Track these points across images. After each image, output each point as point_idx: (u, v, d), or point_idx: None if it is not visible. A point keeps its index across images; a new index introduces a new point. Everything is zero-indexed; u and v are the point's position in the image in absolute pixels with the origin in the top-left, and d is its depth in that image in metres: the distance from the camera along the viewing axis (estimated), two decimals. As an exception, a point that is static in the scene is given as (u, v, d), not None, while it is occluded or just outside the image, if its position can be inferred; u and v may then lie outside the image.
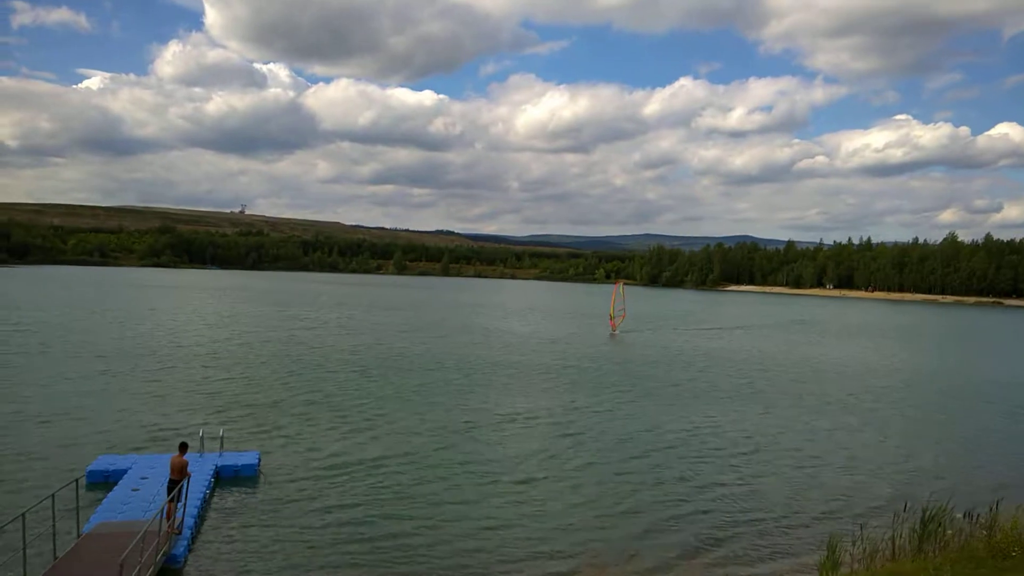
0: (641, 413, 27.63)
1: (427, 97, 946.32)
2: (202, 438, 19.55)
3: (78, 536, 13.21)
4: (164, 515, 13.04)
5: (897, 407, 31.52)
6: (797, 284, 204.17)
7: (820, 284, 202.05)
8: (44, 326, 48.80)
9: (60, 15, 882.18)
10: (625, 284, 73.28)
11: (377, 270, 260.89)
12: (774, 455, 22.39)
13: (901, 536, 14.37)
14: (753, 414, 28.47)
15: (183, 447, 14.56)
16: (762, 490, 18.92)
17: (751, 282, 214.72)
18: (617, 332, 59.21)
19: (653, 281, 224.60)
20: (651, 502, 17.63)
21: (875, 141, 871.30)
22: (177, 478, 13.94)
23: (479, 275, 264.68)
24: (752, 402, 31.12)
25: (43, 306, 65.39)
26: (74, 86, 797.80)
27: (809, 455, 22.60)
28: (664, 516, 16.73)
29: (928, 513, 14.50)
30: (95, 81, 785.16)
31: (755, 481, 19.67)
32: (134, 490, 16.04)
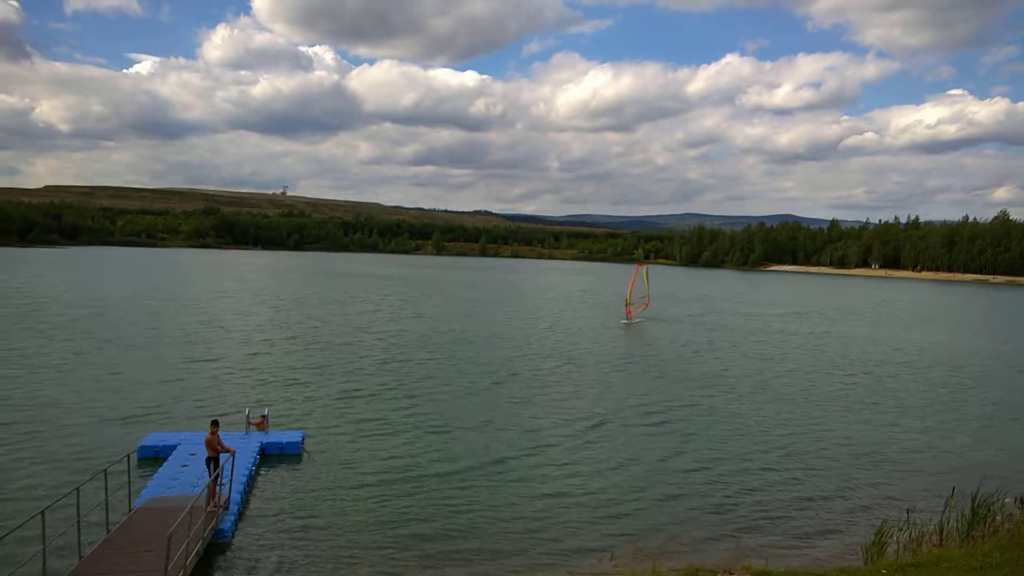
0: (698, 402, 27.09)
1: (469, 78, 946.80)
2: (248, 416, 20.03)
3: (130, 510, 13.67)
4: (209, 492, 13.40)
5: (951, 392, 30.64)
6: (841, 264, 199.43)
7: (865, 264, 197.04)
8: (104, 308, 50.36)
9: (112, 0, 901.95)
10: (650, 266, 64.97)
11: (416, 250, 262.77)
12: (823, 441, 21.93)
13: (949, 522, 14.04)
14: (804, 401, 28.01)
15: (215, 425, 14.60)
16: (810, 475, 18.64)
17: (794, 262, 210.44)
18: (634, 320, 52.92)
19: (693, 261, 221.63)
20: (700, 485, 17.52)
21: (927, 117, 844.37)
22: (213, 455, 14.19)
23: (516, 255, 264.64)
24: (802, 389, 30.59)
25: (103, 288, 67.48)
26: (124, 71, 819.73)
27: (859, 441, 22.12)
28: (712, 499, 16.63)
29: (978, 499, 14.12)
30: (145, 66, 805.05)
31: (803, 466, 19.36)
32: (183, 466, 16.53)
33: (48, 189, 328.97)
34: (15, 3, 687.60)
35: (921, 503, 16.48)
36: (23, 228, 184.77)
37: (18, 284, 66.25)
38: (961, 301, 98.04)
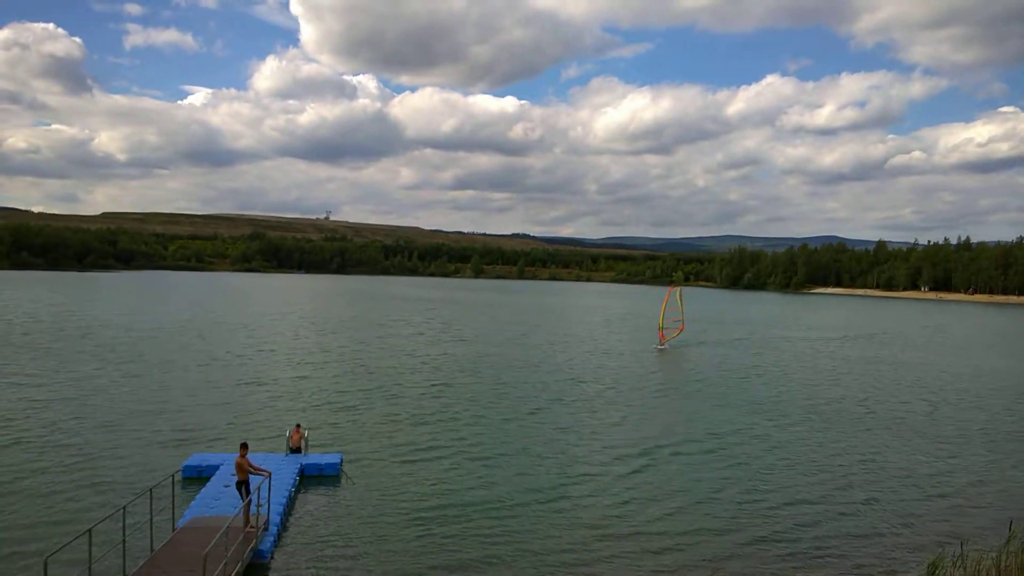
0: (746, 429, 26.46)
1: (509, 103, 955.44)
2: (288, 437, 20.27)
3: (173, 529, 13.92)
4: (244, 514, 13.54)
5: (1011, 421, 29.34)
6: (889, 286, 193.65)
7: (915, 286, 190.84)
8: (155, 331, 51.83)
9: (169, 35, 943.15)
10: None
11: (455, 274, 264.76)
12: (876, 472, 21.17)
13: (1007, 558, 13.39)
14: (856, 429, 27.15)
15: (244, 447, 14.77)
16: (862, 506, 17.98)
17: (838, 284, 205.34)
18: (666, 346, 50.19)
19: (733, 283, 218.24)
20: (748, 517, 17.01)
21: (978, 135, 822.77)
22: (243, 478, 14.29)
23: (554, 278, 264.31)
24: (854, 417, 29.68)
25: (155, 311, 69.52)
26: (179, 102, 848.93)
27: (913, 472, 21.29)
28: (759, 532, 16.11)
29: (1039, 534, 13.46)
30: (199, 97, 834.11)
31: (856, 498, 18.66)
32: (226, 486, 16.73)
33: (105, 216, 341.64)
34: (78, 40, 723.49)
35: (977, 537, 15.75)
36: (81, 253, 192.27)
37: (75, 307, 68.67)
38: (1019, 325, 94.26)
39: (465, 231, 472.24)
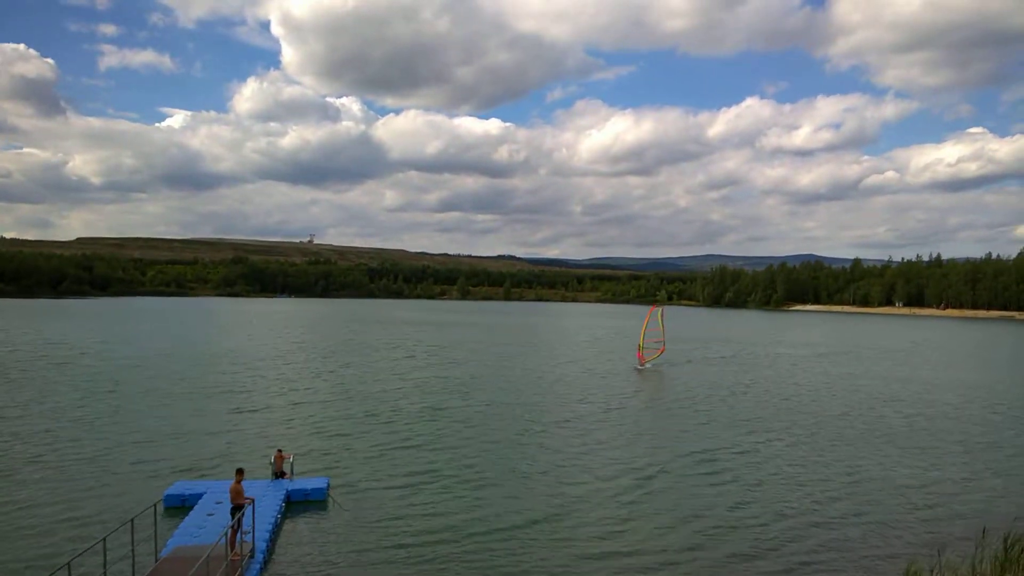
0: (739, 447, 26.61)
1: (493, 125, 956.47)
2: (272, 463, 20.14)
3: (156, 560, 13.68)
4: (228, 541, 13.35)
5: (984, 430, 29.74)
6: (864, 303, 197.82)
7: (889, 302, 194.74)
8: (135, 360, 51.21)
9: (146, 57, 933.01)
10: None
11: (441, 296, 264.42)
12: (860, 486, 21.35)
13: (982, 562, 13.67)
14: (840, 444, 27.36)
15: (240, 473, 14.79)
16: (838, 518, 18.15)
17: (816, 301, 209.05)
18: (648, 365, 50.00)
19: (715, 302, 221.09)
20: (727, 528, 17.12)
21: (948, 155, 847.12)
22: (238, 504, 14.23)
23: (540, 299, 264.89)
24: (838, 431, 29.93)
25: (135, 339, 68.69)
26: (157, 124, 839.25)
27: (887, 482, 21.54)
28: (740, 542, 16.22)
29: (1010, 539, 13.77)
30: (177, 119, 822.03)
31: (831, 509, 18.88)
32: (209, 515, 16.50)
33: (80, 241, 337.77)
34: (51, 61, 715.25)
35: (952, 543, 16.05)
36: (55, 279, 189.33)
37: (51, 335, 67.71)
38: (989, 338, 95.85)
39: (451, 253, 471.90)
